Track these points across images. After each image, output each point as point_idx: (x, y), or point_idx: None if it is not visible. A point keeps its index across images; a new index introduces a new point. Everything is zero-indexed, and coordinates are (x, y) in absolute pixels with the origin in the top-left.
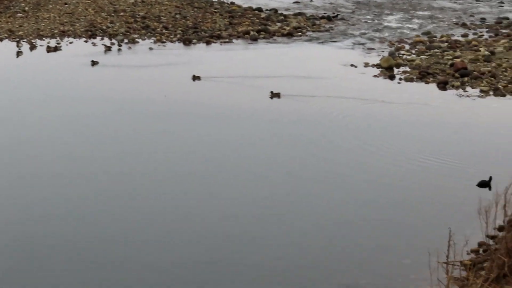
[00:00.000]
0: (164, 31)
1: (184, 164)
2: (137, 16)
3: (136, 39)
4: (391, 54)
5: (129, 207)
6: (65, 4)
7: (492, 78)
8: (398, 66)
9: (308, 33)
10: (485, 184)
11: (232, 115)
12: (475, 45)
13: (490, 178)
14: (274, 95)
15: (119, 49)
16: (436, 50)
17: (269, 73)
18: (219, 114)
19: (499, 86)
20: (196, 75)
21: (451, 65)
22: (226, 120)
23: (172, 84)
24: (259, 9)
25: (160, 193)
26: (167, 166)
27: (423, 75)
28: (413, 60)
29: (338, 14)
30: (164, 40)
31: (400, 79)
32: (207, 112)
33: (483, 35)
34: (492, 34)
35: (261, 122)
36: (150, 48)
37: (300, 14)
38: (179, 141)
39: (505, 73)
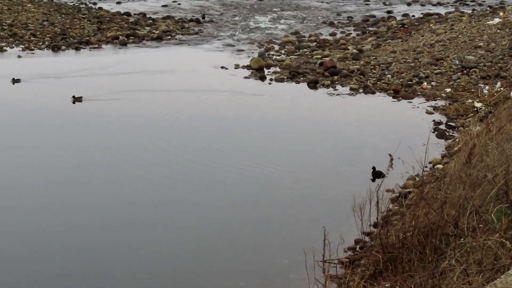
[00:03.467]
0: (32, 38)
1: None
2: (4, 24)
3: (4, 48)
4: (260, 55)
5: None
6: None
7: (361, 76)
8: (268, 66)
9: (178, 36)
10: (378, 174)
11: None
12: (343, 44)
13: (374, 168)
14: (76, 99)
15: None
16: (305, 50)
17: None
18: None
19: (368, 83)
20: (16, 78)
21: (321, 64)
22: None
23: None
24: (128, 14)
25: None
26: None
27: (294, 75)
28: (283, 60)
29: (204, 15)
30: (33, 48)
31: (271, 79)
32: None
33: (351, 33)
34: (359, 32)
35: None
36: (19, 56)
37: (168, 17)
38: None
39: (374, 71)
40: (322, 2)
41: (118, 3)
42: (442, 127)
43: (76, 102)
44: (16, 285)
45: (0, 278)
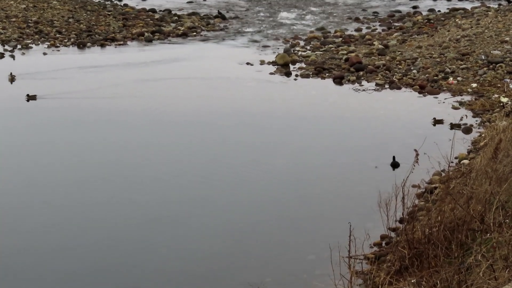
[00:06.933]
0: (57, 35)
1: None
2: (29, 21)
3: (30, 45)
4: (286, 51)
5: None
6: None
7: (387, 71)
8: (293, 62)
9: (203, 33)
10: (395, 164)
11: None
12: (369, 39)
13: (394, 157)
14: (30, 97)
15: (11, 56)
16: (331, 45)
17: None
18: None
19: (394, 79)
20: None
21: (346, 59)
22: None
23: None
24: (153, 10)
25: None
26: None
27: (319, 71)
28: (308, 56)
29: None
30: (58, 45)
31: (296, 75)
32: None
33: (376, 29)
34: (385, 28)
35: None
36: (44, 53)
37: (194, 14)
38: None
39: (399, 66)
40: None
41: None
42: (468, 122)
43: (30, 100)
44: (44, 281)
45: (28, 274)
